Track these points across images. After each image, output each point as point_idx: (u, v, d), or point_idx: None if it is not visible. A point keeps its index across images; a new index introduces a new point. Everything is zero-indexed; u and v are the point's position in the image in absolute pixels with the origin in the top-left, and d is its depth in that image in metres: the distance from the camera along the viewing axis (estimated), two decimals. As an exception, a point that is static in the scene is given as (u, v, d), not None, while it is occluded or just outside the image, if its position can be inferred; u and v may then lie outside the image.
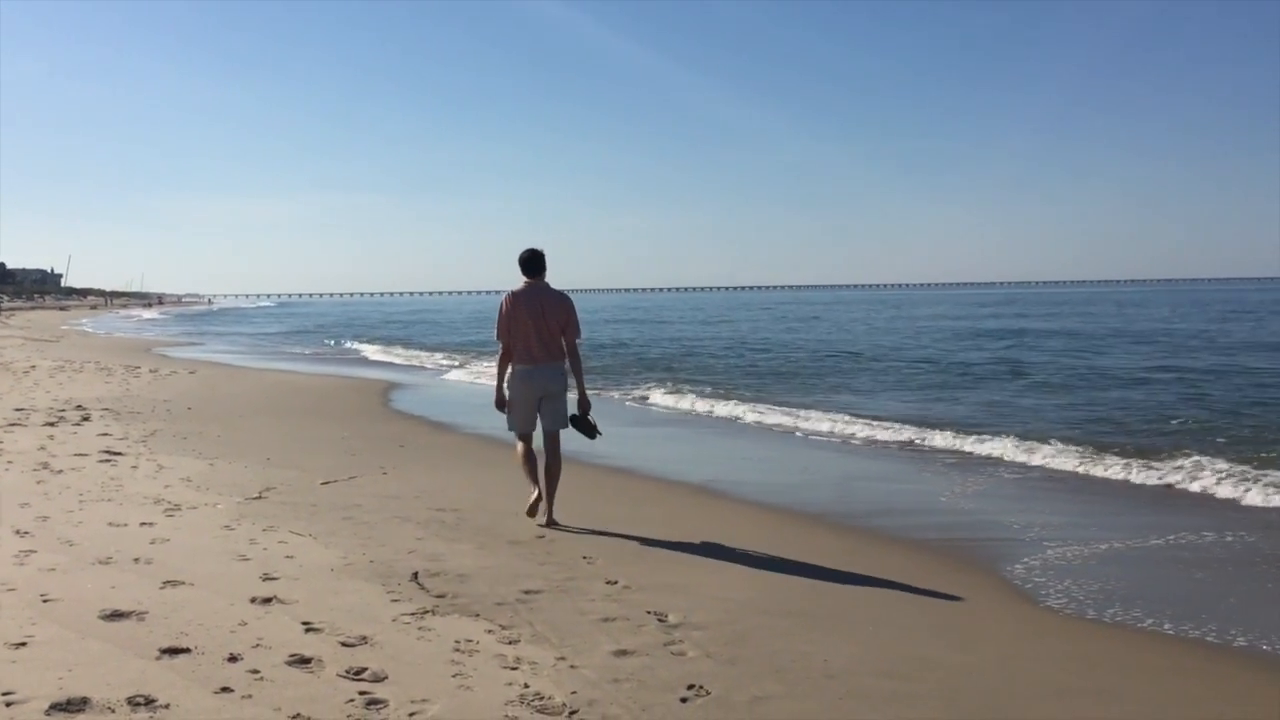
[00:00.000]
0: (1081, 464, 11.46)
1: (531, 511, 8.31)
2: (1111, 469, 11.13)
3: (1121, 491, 10.36)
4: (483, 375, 24.18)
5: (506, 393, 8.47)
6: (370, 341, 43.13)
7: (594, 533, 8.12)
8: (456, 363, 29.85)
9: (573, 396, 8.56)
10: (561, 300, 8.31)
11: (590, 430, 8.58)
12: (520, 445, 8.51)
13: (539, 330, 8.24)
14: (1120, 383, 21.18)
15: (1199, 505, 9.60)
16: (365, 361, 32.42)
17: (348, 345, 42.02)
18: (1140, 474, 10.84)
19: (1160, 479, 10.60)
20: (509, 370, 8.46)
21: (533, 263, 8.34)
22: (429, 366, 29.85)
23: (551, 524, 8.23)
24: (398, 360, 32.45)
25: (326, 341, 45.39)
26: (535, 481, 8.35)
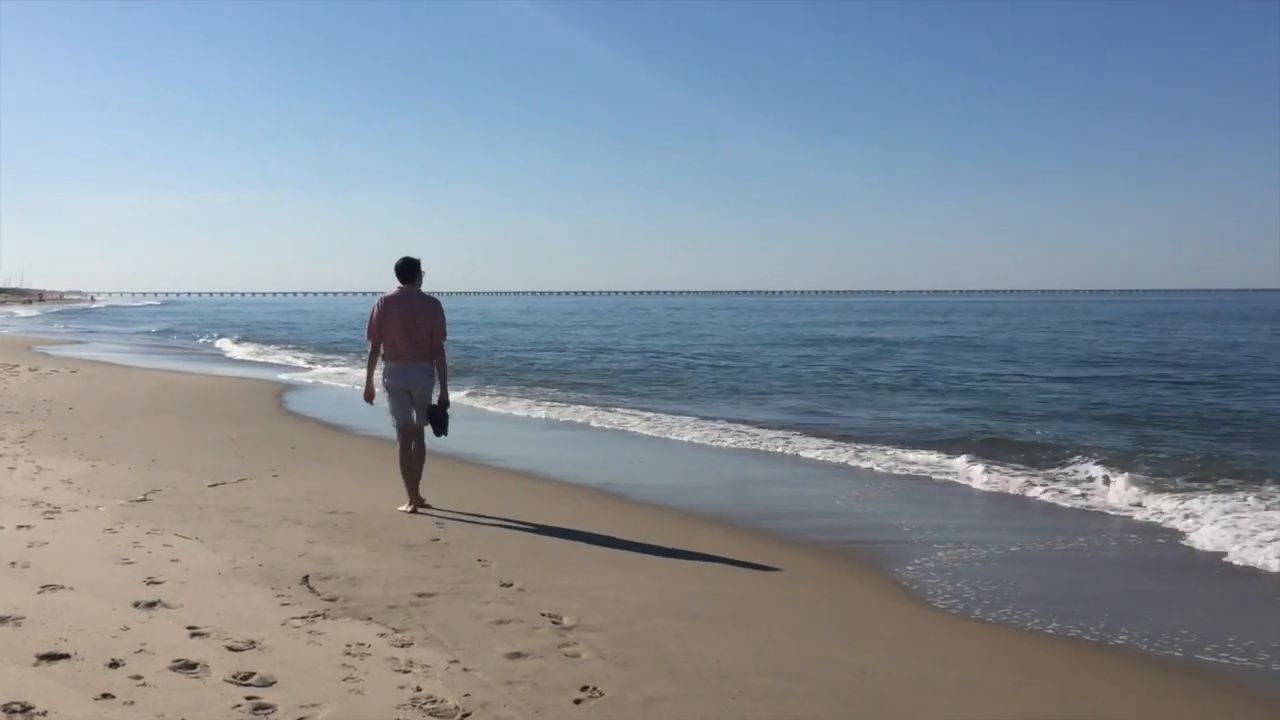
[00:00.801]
0: (974, 471, 11.71)
1: (410, 507, 8.91)
2: (999, 476, 11.40)
3: (1009, 498, 10.63)
4: (341, 378, 24.22)
5: (376, 387, 9.11)
6: (242, 341, 42.60)
7: (493, 524, 8.10)
8: (323, 362, 30.02)
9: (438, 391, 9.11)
10: (431, 305, 8.91)
11: (442, 425, 9.01)
12: (401, 439, 9.04)
13: (408, 332, 8.82)
14: (987, 388, 21.81)
15: (1082, 512, 9.90)
16: (230, 360, 31.98)
17: (216, 343, 41.45)
18: (1023, 480, 11.12)
19: (1043, 486, 10.89)
20: (381, 367, 9.03)
21: (406, 270, 8.93)
22: (300, 365, 29.50)
23: (421, 505, 8.92)
24: (271, 360, 32.11)
25: (199, 339, 45.05)
26: (409, 480, 8.99)
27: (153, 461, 11.07)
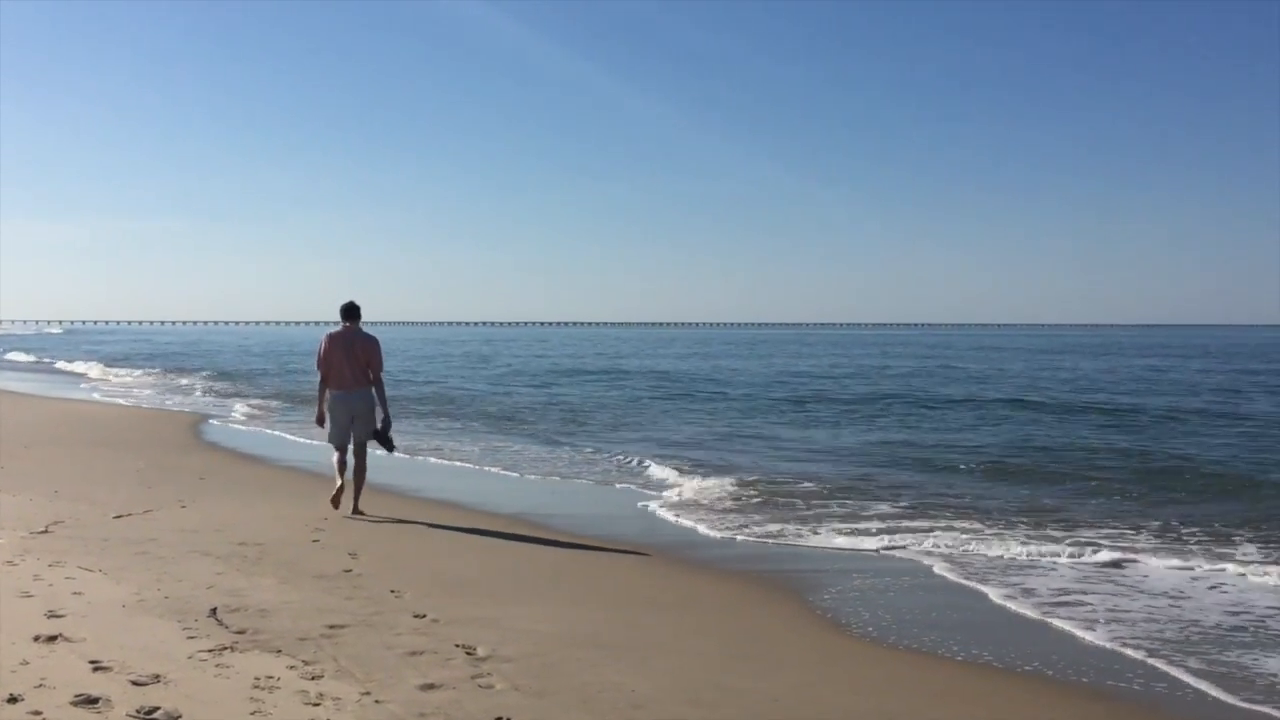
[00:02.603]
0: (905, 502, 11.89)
1: (335, 502, 10.24)
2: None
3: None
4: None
5: (325, 412, 10.49)
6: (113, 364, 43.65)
7: (407, 554, 8.03)
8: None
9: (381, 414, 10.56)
10: (369, 341, 10.44)
11: (389, 444, 10.60)
12: (336, 454, 10.50)
13: (350, 363, 10.32)
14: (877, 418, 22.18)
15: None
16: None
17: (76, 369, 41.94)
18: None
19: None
20: (327, 394, 10.43)
21: (349, 311, 10.44)
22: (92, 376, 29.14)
23: (357, 513, 10.16)
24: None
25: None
26: (341, 477, 10.36)
27: (55, 492, 10.78)
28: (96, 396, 26.97)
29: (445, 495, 11.93)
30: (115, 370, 39.53)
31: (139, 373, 38.23)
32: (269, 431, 18.90)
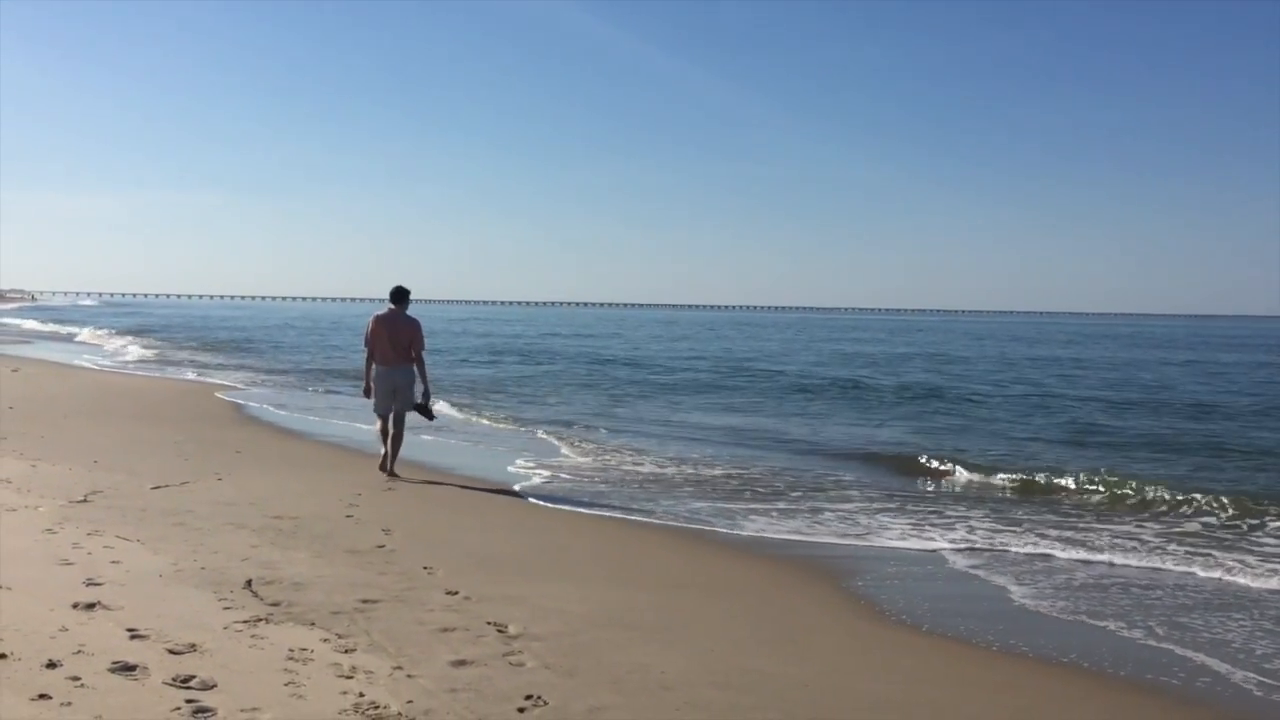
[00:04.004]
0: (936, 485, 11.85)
1: (381, 467, 11.36)
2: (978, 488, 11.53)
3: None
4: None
5: (371, 385, 11.52)
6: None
7: (440, 529, 8.07)
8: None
9: (421, 388, 11.57)
10: (411, 323, 11.52)
11: (428, 414, 11.94)
12: (379, 422, 11.61)
13: (393, 343, 11.42)
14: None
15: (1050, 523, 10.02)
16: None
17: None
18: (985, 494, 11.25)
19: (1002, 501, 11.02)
20: (373, 369, 11.50)
21: (396, 295, 11.54)
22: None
23: (393, 475, 11.19)
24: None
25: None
26: (385, 445, 11.45)
27: (94, 463, 10.91)
28: (106, 364, 27.50)
29: (474, 471, 11.98)
30: (119, 340, 41.56)
31: (138, 344, 39.05)
32: (303, 406, 19.04)
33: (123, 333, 47.85)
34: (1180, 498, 11.19)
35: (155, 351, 34.68)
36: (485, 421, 17.71)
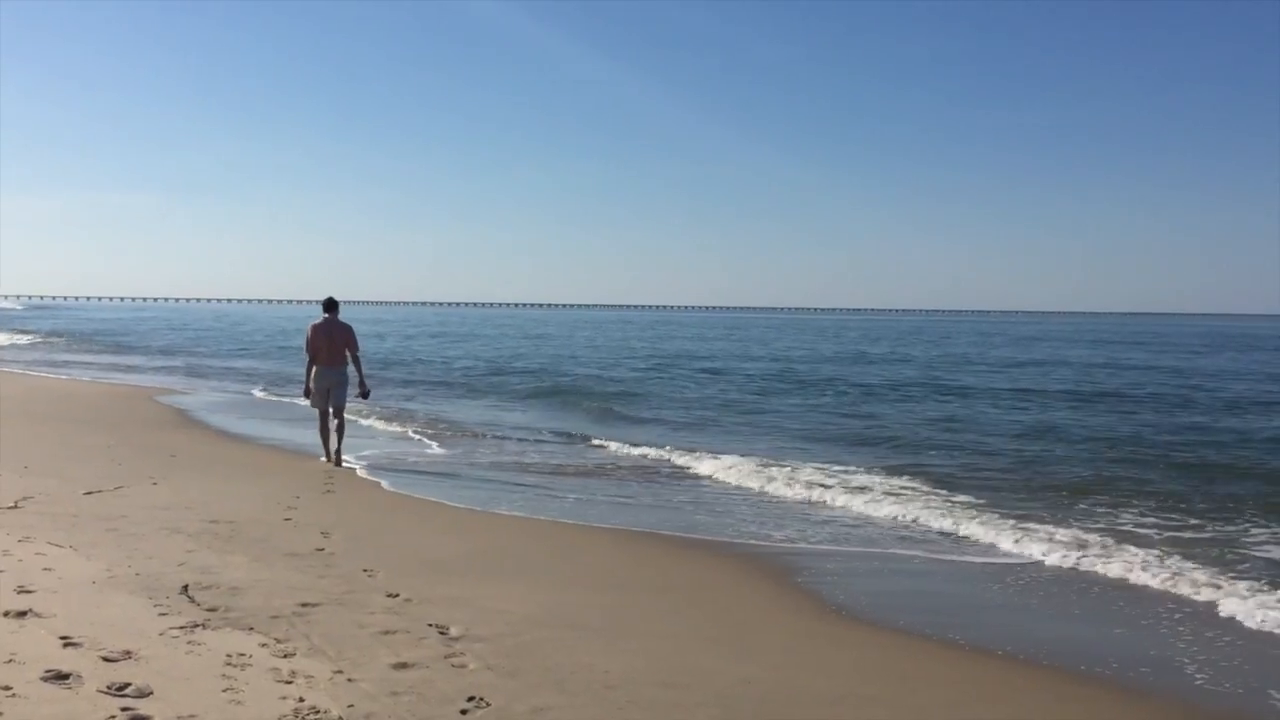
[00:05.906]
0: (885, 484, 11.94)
1: (327, 457, 12.57)
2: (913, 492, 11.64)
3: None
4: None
5: (311, 386, 12.74)
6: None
7: (380, 533, 8.01)
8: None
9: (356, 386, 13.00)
10: (345, 328, 12.95)
11: (365, 395, 13.23)
12: (320, 420, 12.79)
13: (330, 346, 12.77)
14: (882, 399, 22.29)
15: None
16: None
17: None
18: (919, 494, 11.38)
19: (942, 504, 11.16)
20: (314, 370, 12.69)
21: (328, 305, 12.98)
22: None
23: (339, 462, 12.44)
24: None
25: None
26: (326, 444, 12.71)
27: (25, 468, 10.68)
28: (65, 374, 26.78)
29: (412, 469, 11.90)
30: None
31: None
32: (240, 410, 18.79)
33: (49, 335, 47.13)
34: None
35: (41, 353, 35.36)
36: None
